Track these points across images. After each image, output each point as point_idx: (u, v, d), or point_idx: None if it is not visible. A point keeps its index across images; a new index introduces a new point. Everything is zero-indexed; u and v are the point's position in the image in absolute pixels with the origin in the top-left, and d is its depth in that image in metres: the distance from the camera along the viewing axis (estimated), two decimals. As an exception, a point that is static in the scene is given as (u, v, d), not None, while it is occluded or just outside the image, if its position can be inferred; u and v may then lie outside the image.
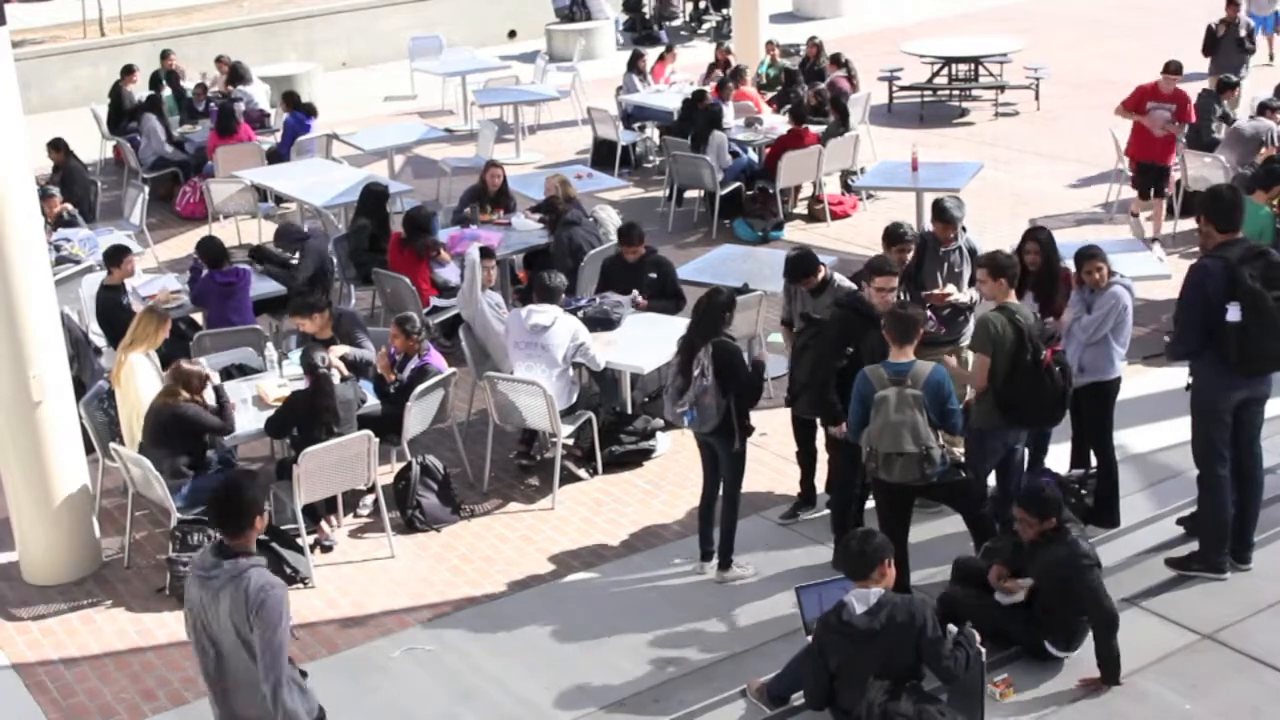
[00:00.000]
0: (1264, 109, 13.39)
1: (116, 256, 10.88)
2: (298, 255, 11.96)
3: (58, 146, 14.54)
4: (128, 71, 17.95)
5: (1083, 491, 8.52)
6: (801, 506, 8.99)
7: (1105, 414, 8.52)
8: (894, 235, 9.03)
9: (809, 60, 17.94)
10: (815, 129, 15.00)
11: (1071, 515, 7.42)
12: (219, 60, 18.41)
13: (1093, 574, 7.03)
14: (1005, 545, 7.46)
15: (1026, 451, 8.57)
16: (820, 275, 8.79)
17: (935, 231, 9.31)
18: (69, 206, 13.25)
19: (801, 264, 8.81)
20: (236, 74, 17.96)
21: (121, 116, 17.54)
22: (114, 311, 10.52)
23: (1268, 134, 12.96)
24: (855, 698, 6.55)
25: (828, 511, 8.76)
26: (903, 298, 8.45)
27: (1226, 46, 16.72)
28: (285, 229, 12.59)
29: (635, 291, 10.52)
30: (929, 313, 8.68)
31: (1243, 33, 16.81)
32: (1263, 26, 18.99)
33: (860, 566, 6.55)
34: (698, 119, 15.10)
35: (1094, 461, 8.62)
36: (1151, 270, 11.19)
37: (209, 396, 8.81)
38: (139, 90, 17.89)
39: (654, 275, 10.67)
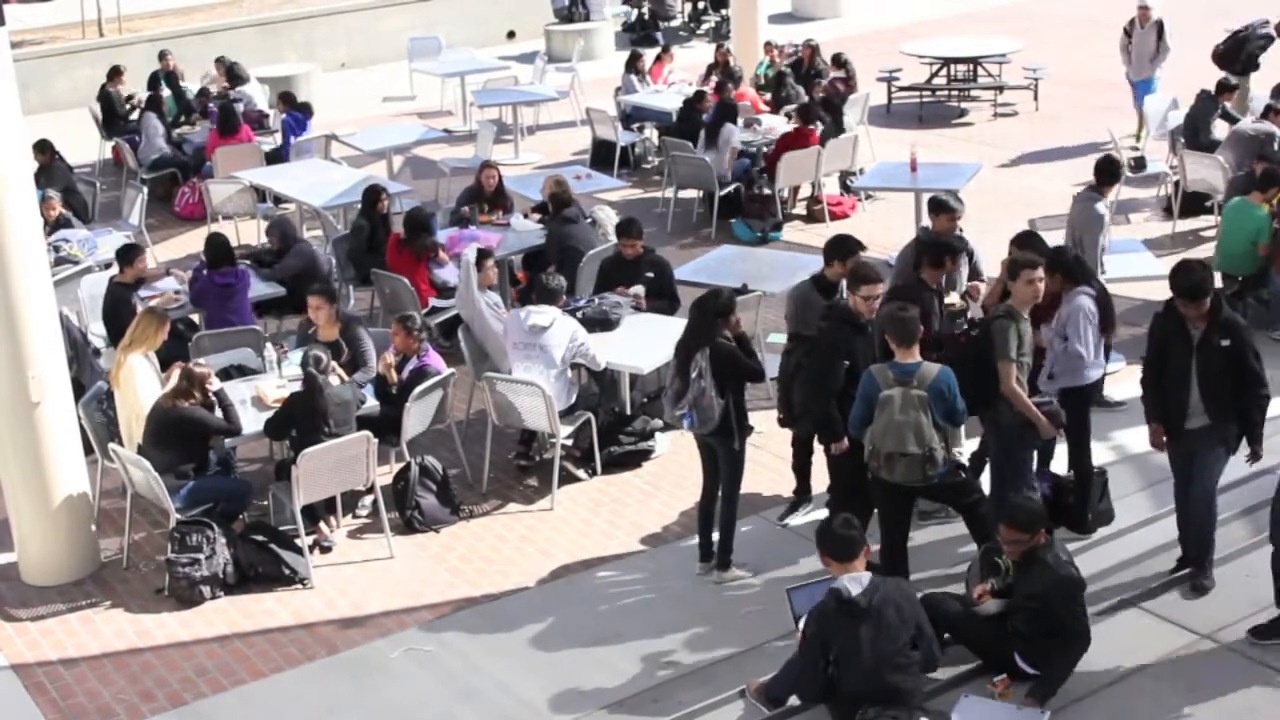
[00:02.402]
0: (1269, 112, 13.38)
1: (129, 255, 10.93)
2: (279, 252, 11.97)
3: (43, 148, 14.49)
4: (114, 74, 17.91)
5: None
6: (798, 506, 8.99)
7: (1081, 419, 8.42)
8: (944, 249, 8.83)
9: (803, 63, 17.91)
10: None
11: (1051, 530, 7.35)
12: (218, 61, 18.39)
13: (1080, 598, 7.00)
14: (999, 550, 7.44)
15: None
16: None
17: (936, 228, 9.28)
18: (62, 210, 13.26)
19: (842, 244, 8.81)
20: (234, 75, 17.96)
21: (115, 118, 17.51)
22: (121, 309, 10.53)
23: (1269, 137, 12.91)
24: (855, 683, 6.61)
25: (817, 515, 8.78)
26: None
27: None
28: (279, 222, 12.56)
29: (639, 288, 10.48)
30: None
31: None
32: (1140, 92, 16.16)
33: (848, 548, 6.74)
34: (695, 116, 15.10)
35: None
36: (1149, 271, 11.22)
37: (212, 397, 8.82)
38: (129, 89, 17.85)
39: (651, 275, 10.66)
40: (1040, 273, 7.90)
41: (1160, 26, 15.87)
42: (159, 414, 8.71)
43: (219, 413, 8.79)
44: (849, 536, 6.78)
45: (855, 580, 6.66)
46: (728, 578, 8.32)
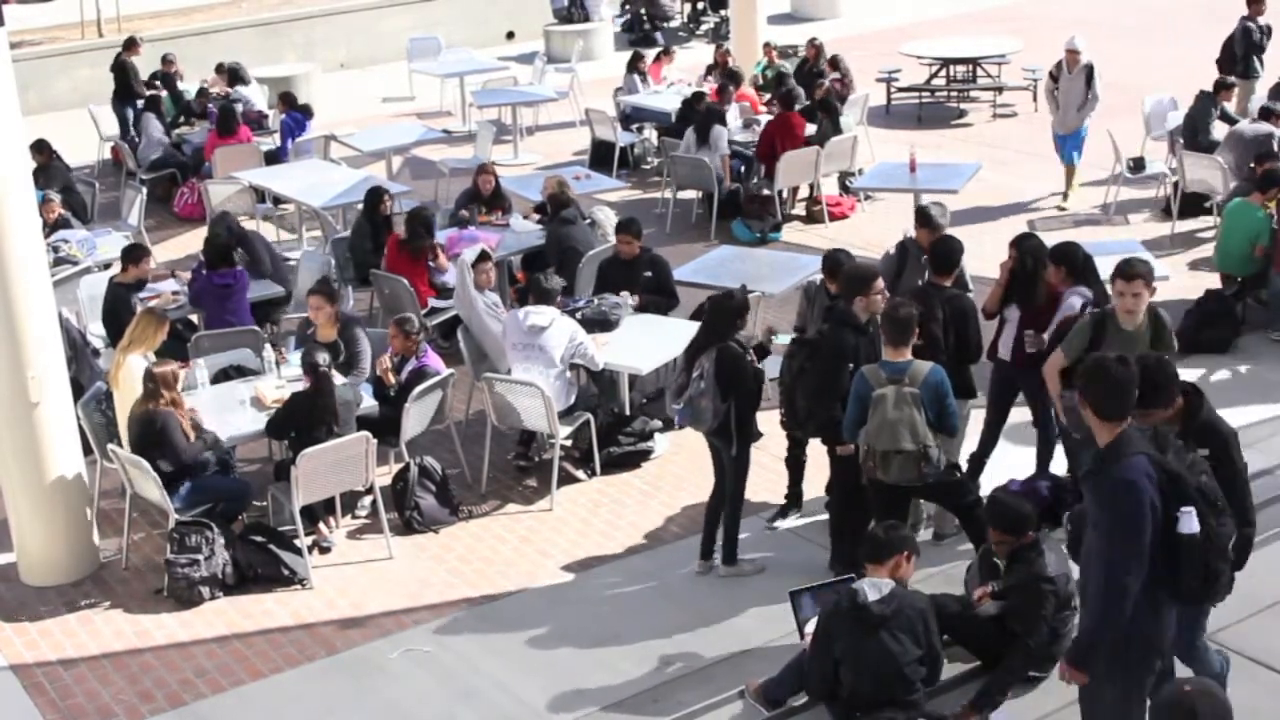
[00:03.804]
0: (1267, 114, 13.36)
1: (134, 254, 10.96)
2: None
3: (40, 149, 14.49)
4: (130, 44, 17.88)
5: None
6: (787, 510, 8.99)
7: None
8: (951, 256, 8.69)
9: (809, 62, 17.92)
10: (809, 128, 15.01)
11: (1048, 534, 7.34)
12: (219, 69, 18.39)
13: (1046, 604, 6.93)
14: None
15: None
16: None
17: (919, 238, 9.26)
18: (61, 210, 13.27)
19: (829, 260, 8.89)
20: (235, 76, 17.97)
21: (129, 90, 17.42)
22: (121, 309, 10.54)
23: (1269, 139, 12.88)
24: (858, 688, 6.60)
25: (816, 516, 8.78)
26: None
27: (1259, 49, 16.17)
28: (222, 218, 12.54)
29: (626, 293, 10.47)
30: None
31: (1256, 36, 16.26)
32: (1065, 149, 14.90)
33: (879, 550, 6.67)
34: (696, 116, 15.13)
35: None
36: (1149, 271, 11.20)
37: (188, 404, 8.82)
38: (142, 68, 17.88)
39: (649, 274, 10.66)
40: (1139, 286, 7.56)
41: (1090, 72, 14.53)
42: (133, 423, 8.70)
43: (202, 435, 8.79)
44: (877, 538, 6.73)
45: (875, 586, 6.55)
46: (733, 571, 8.34)
